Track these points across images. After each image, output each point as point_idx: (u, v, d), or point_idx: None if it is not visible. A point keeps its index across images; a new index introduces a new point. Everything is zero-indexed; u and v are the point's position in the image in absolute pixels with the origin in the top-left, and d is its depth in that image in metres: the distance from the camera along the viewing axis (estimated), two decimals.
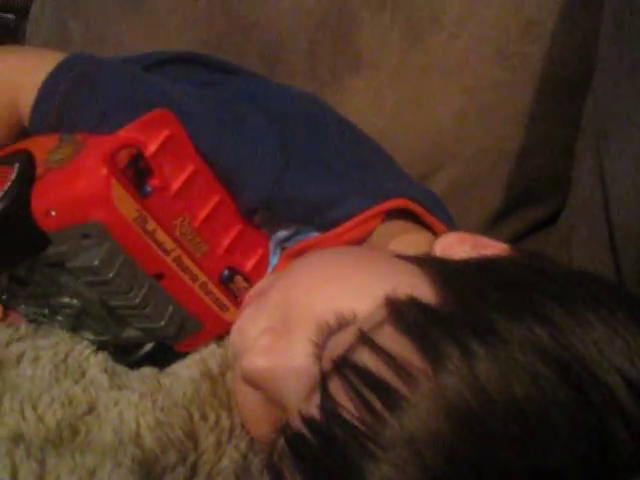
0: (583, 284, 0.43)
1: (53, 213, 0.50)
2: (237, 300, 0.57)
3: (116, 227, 0.50)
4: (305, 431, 0.38)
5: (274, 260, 0.61)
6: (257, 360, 0.44)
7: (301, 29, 0.89)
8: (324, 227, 0.57)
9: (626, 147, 0.60)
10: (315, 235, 0.59)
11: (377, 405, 0.36)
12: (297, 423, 0.39)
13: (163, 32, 0.96)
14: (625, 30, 0.62)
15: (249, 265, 0.58)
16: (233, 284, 0.57)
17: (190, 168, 0.54)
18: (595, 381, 0.37)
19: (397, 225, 0.58)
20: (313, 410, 0.39)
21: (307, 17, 0.89)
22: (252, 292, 0.54)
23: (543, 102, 0.82)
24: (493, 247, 0.50)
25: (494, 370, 0.36)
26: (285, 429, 0.41)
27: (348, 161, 0.61)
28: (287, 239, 0.61)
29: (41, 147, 0.55)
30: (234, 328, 0.50)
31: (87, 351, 0.54)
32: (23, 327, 0.57)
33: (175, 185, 0.53)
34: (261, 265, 0.59)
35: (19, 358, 0.52)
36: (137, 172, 0.51)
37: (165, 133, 0.53)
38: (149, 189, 0.52)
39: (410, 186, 0.63)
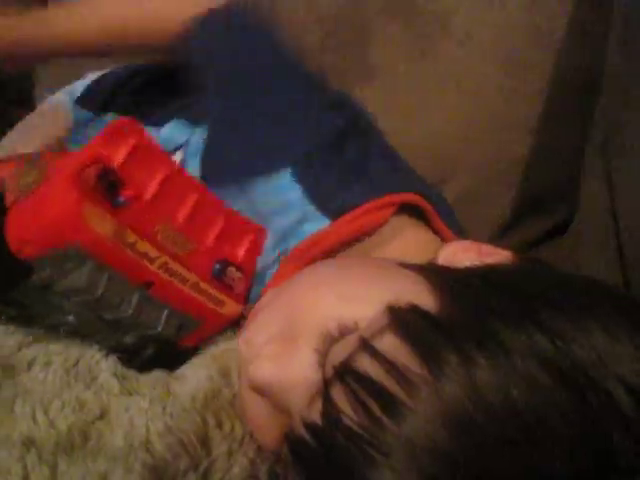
0: (586, 291, 0.43)
1: (29, 242, 0.49)
2: (233, 292, 0.56)
3: (95, 246, 0.49)
4: (307, 437, 0.39)
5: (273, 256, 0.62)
6: (263, 367, 0.45)
7: (311, 38, 0.89)
8: (335, 212, 0.58)
9: (634, 155, 0.60)
10: (324, 224, 0.59)
11: (377, 411, 0.37)
12: (300, 429, 0.40)
13: None
14: (634, 37, 0.62)
15: (240, 254, 0.58)
16: (226, 276, 0.56)
17: (162, 172, 0.53)
18: (594, 387, 0.37)
19: (409, 221, 0.58)
20: (315, 416, 0.39)
21: (317, 26, 0.89)
22: (259, 304, 0.54)
23: (552, 109, 0.82)
24: (497, 255, 0.50)
25: (493, 377, 0.37)
26: (288, 435, 0.41)
27: (375, 153, 0.63)
28: (294, 228, 0.61)
29: (9, 173, 0.55)
30: (241, 338, 0.50)
31: (98, 355, 0.54)
32: (34, 332, 0.57)
33: (149, 192, 0.52)
34: (253, 252, 0.59)
35: (31, 363, 0.53)
36: (108, 186, 0.50)
37: (131, 142, 0.52)
38: (123, 200, 0.51)
39: (426, 187, 0.63)
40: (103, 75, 0.89)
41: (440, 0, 0.84)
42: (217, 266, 0.56)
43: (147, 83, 0.81)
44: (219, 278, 0.56)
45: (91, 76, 0.90)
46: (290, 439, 0.40)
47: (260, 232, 0.60)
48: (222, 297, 0.56)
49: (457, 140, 0.85)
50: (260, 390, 0.45)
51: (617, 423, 0.36)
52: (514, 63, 0.82)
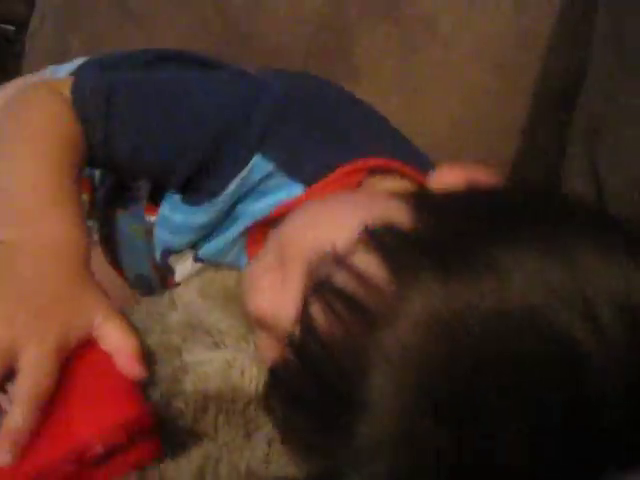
0: (575, 212, 0.44)
1: None
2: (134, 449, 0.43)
3: None
4: (289, 354, 0.41)
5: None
6: (258, 299, 0.47)
7: (298, 40, 0.89)
8: (307, 179, 0.58)
9: (619, 146, 0.60)
10: (298, 191, 0.59)
11: (351, 322, 0.38)
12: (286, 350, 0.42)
13: (161, 45, 0.96)
14: (620, 31, 0.62)
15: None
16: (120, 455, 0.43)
17: None
18: (582, 306, 0.37)
19: (385, 178, 0.58)
20: (296, 332, 0.41)
21: (303, 28, 0.89)
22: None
23: (539, 111, 0.82)
24: (487, 177, 0.50)
25: (465, 289, 0.37)
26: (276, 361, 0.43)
27: (343, 121, 0.62)
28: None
29: None
30: (246, 276, 0.52)
31: None
32: None
33: None
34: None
35: None
36: None
37: None
38: None
39: (399, 146, 0.64)
40: (90, 59, 0.89)
41: (424, 3, 0.84)
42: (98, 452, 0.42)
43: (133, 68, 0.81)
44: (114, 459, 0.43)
45: (77, 61, 0.89)
46: (276, 363, 0.43)
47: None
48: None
49: (444, 141, 0.85)
50: (259, 322, 0.48)
51: (600, 342, 0.36)
52: (501, 65, 0.82)
